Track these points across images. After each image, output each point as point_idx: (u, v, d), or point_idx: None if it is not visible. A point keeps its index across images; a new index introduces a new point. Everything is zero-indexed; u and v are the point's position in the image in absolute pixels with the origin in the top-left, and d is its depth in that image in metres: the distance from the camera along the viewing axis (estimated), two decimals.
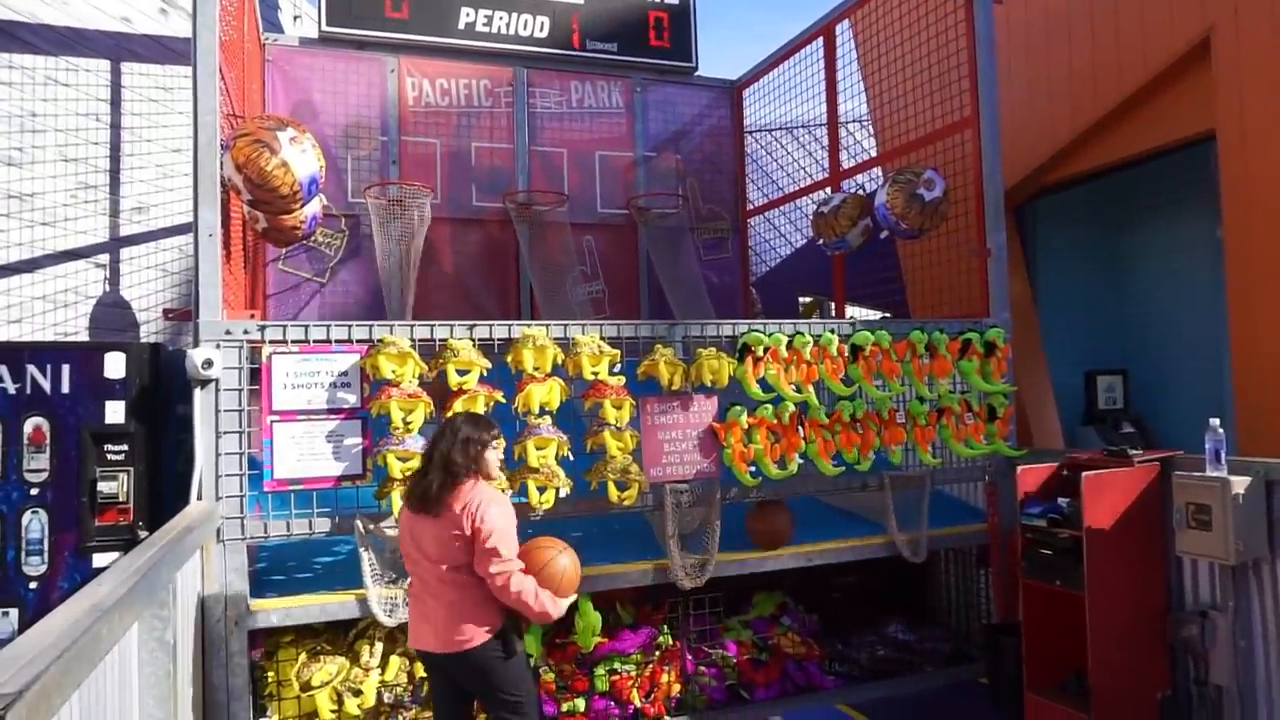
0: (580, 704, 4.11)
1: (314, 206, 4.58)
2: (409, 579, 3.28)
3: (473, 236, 6.87)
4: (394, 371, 3.73)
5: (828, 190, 6.41)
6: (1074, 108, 6.59)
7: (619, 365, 4.14)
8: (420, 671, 3.94)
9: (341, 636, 3.94)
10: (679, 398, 4.24)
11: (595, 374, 4.04)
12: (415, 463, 3.70)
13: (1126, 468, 4.04)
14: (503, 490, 3.75)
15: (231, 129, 4.18)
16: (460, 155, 6.76)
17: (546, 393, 3.94)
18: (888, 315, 7.25)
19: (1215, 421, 3.79)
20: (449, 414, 3.73)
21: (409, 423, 3.72)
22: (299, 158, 4.00)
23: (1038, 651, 4.16)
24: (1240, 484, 3.63)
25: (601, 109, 7.29)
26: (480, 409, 3.80)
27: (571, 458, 4.00)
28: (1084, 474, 3.90)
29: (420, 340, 3.90)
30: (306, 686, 3.69)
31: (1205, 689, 3.92)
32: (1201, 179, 6.14)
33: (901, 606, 5.10)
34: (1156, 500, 4.02)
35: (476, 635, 3.06)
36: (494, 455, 3.24)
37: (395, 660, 3.90)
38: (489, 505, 3.07)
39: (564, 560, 3.28)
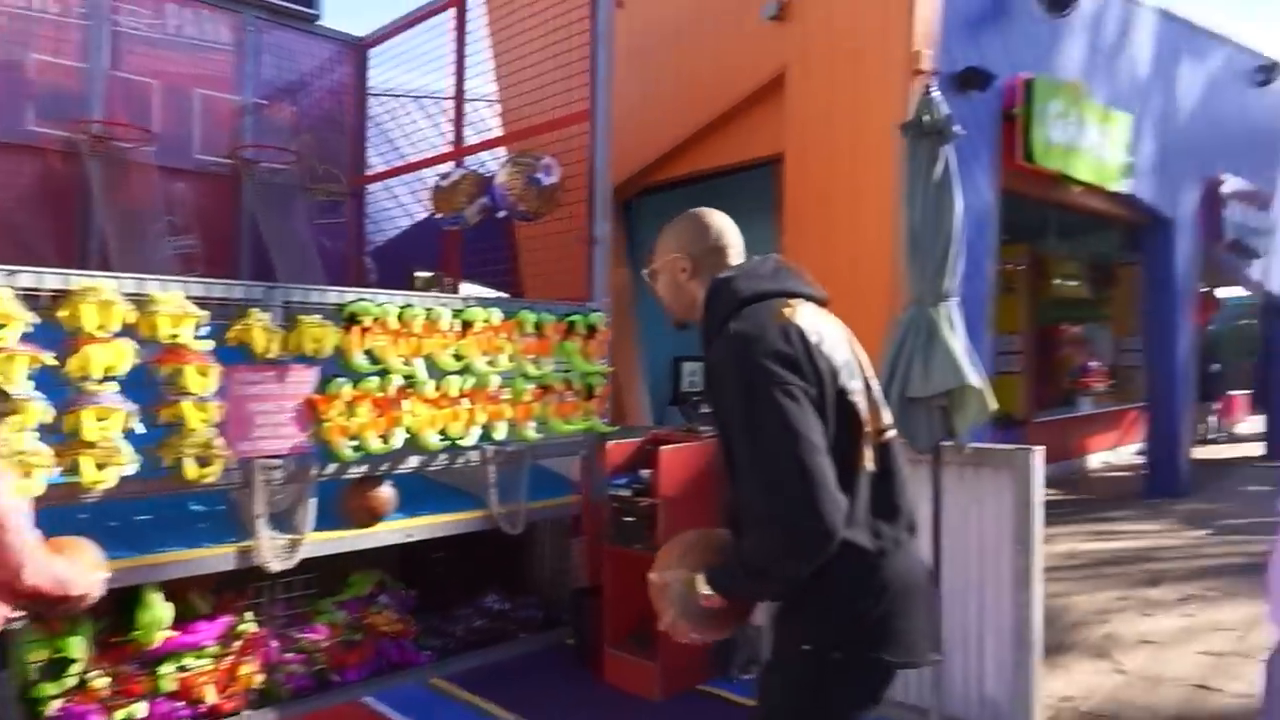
0: (138, 709, 3.64)
1: None
2: None
3: (26, 167, 5.76)
4: None
5: (450, 164, 6.38)
6: (678, 116, 7.28)
7: (204, 329, 3.75)
8: None
9: None
10: (274, 367, 3.94)
11: (175, 336, 3.60)
12: None
13: (696, 442, 4.58)
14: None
15: None
16: (11, 67, 5.62)
17: (112, 356, 3.43)
18: (504, 295, 7.43)
19: None
20: None
21: None
22: None
23: (616, 610, 4.55)
24: None
25: (205, 42, 6.52)
26: (18, 372, 3.20)
27: (142, 430, 3.54)
28: (660, 448, 4.34)
29: None
30: None
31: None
32: (775, 193, 7.12)
33: (500, 577, 5.27)
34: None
35: None
36: None
37: None
38: None
39: None
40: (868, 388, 1.97)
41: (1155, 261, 9.78)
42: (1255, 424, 15.50)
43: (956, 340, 3.43)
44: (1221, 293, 16.13)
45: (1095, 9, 8.04)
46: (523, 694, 4.34)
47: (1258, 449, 13.75)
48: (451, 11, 6.51)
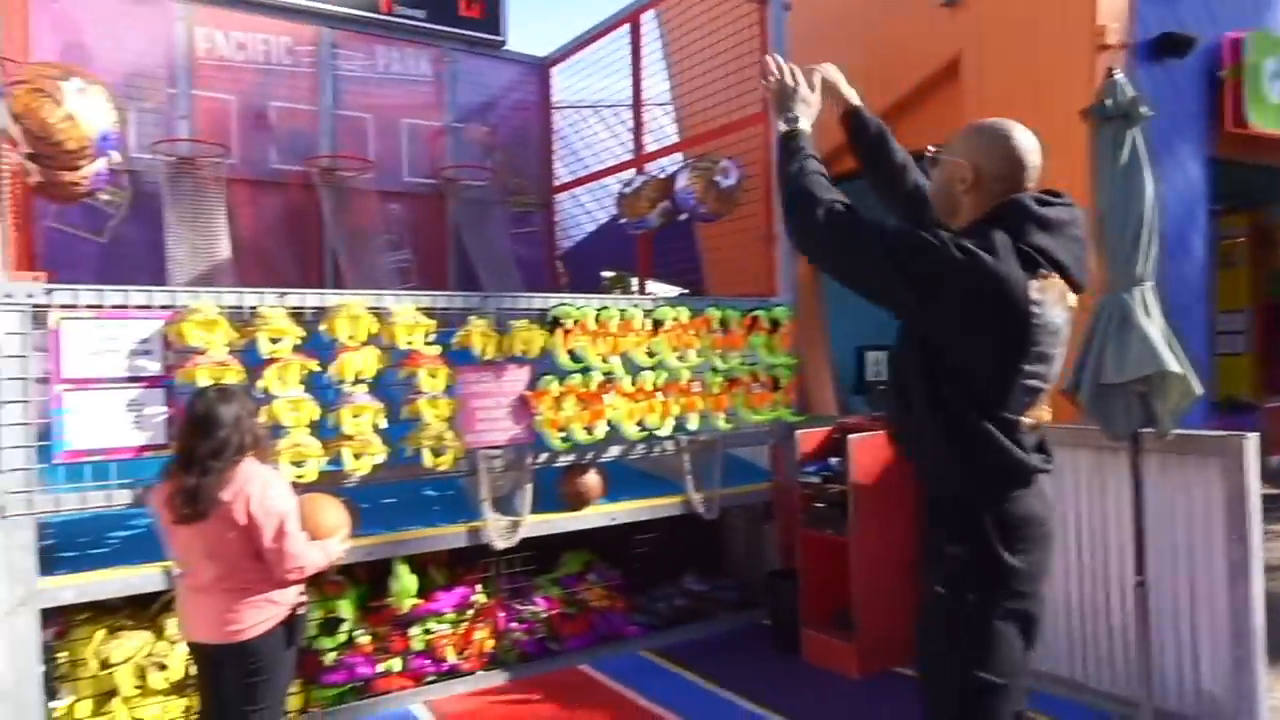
0: (397, 663, 4.23)
1: (100, 164, 4.30)
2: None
3: (272, 200, 6.61)
4: (202, 339, 3.64)
5: (632, 172, 6.74)
6: None
7: (434, 335, 4.25)
8: None
9: (144, 611, 3.81)
10: (493, 367, 4.41)
11: (410, 343, 4.12)
12: None
13: (885, 431, 4.68)
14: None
15: (4, 73, 3.86)
16: (258, 114, 6.48)
17: (363, 361, 3.99)
18: (686, 292, 7.73)
19: None
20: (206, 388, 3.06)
21: None
22: (89, 111, 3.78)
23: (812, 592, 4.73)
24: None
25: (409, 76, 7.21)
26: (294, 377, 3.80)
27: (385, 424, 4.06)
28: (850, 437, 4.47)
29: (228, 308, 3.82)
30: (106, 664, 3.56)
31: None
32: None
33: (697, 560, 5.57)
34: None
35: (257, 626, 2.79)
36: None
37: None
38: (269, 487, 2.79)
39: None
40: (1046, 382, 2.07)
41: None
42: None
43: (1153, 325, 3.35)
44: None
45: None
46: (727, 668, 4.61)
47: None
48: (628, 26, 6.87)
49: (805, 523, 4.76)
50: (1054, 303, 1.99)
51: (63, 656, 3.60)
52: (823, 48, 7.54)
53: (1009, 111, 6.28)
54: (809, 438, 4.85)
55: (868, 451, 4.50)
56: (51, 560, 3.60)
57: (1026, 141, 2.09)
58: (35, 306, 3.49)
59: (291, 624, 2.89)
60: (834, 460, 4.68)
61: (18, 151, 3.83)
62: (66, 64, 4.17)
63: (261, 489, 2.78)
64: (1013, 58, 6.05)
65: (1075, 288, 2.06)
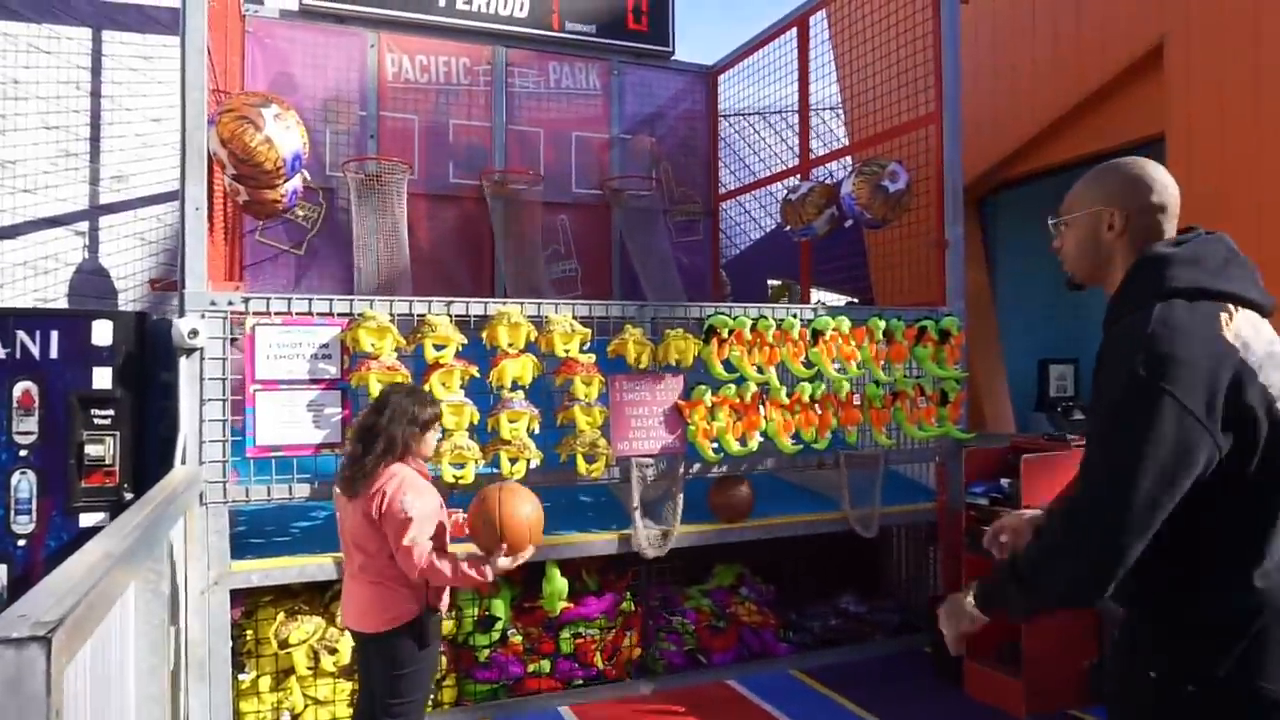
0: (546, 665, 4.33)
1: (295, 181, 4.68)
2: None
3: (448, 213, 6.96)
4: (373, 345, 3.88)
5: (797, 178, 6.60)
6: (1035, 104, 6.83)
7: (590, 343, 4.32)
8: None
9: (319, 597, 4.11)
10: (646, 376, 4.42)
11: (567, 351, 4.21)
12: None
13: (1064, 451, 4.32)
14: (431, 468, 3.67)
15: (217, 104, 4.27)
16: (438, 132, 6.84)
17: (520, 368, 4.11)
18: (854, 301, 7.49)
19: None
20: (389, 389, 3.26)
21: None
22: (283, 134, 4.10)
23: None
24: None
25: (578, 90, 7.39)
26: (455, 382, 3.97)
27: (537, 430, 4.16)
28: (1023, 456, 4.16)
29: (399, 315, 4.05)
30: (284, 644, 3.87)
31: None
32: None
33: (854, 579, 5.36)
34: None
35: (389, 620, 2.91)
36: (433, 436, 3.15)
37: None
38: (402, 491, 2.88)
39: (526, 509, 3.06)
40: None
41: None
42: None
43: None
44: None
45: None
46: (880, 695, 4.40)
47: None
48: (794, 30, 6.75)
49: (970, 547, 4.46)
50: (1252, 333, 1.66)
51: (248, 634, 3.93)
52: (1002, 44, 7.17)
53: (1227, 102, 5.73)
54: (977, 456, 4.56)
55: (1042, 472, 4.17)
56: (241, 546, 3.95)
57: (1161, 174, 1.85)
58: (233, 313, 3.84)
59: (419, 624, 2.94)
60: (1005, 481, 4.36)
61: (225, 174, 4.24)
62: (265, 92, 4.57)
63: (394, 491, 2.89)
64: (1230, 40, 5.45)
65: (1265, 314, 1.73)
